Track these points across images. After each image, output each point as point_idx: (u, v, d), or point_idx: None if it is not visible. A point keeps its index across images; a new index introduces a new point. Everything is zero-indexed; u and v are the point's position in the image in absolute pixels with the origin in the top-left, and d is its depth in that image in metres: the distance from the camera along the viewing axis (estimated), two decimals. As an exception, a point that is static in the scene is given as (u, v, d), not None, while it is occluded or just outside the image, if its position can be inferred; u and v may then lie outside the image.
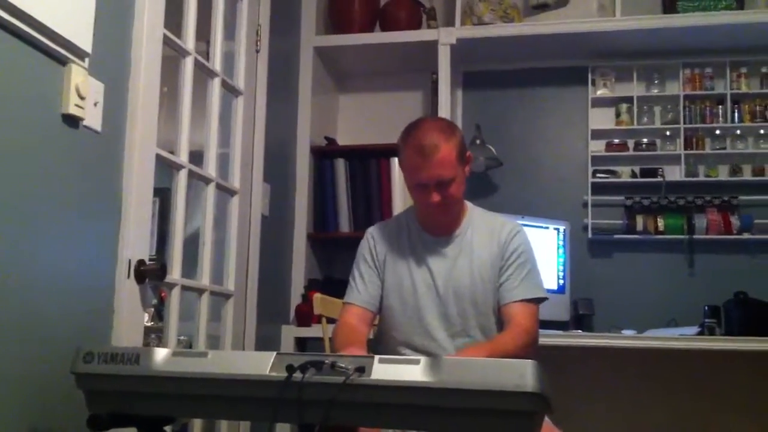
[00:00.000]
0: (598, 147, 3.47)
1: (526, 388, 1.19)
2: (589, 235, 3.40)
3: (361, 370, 1.26)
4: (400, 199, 3.29)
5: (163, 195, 3.18)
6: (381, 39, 3.49)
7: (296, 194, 3.33)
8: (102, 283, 1.89)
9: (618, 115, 3.46)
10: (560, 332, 3.02)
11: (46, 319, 1.65)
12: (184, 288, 2.36)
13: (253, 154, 2.86)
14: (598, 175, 3.42)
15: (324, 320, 2.30)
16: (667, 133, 3.41)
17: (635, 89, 3.43)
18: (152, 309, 3.93)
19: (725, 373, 3.09)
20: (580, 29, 3.26)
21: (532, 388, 1.19)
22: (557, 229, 3.28)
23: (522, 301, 2.03)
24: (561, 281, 3.24)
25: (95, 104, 1.81)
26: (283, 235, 3.23)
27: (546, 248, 3.21)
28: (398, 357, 1.35)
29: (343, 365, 1.27)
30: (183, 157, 2.35)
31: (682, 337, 2.89)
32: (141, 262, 2.00)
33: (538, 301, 2.07)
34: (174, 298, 2.30)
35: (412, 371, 1.25)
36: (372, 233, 2.19)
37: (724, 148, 3.36)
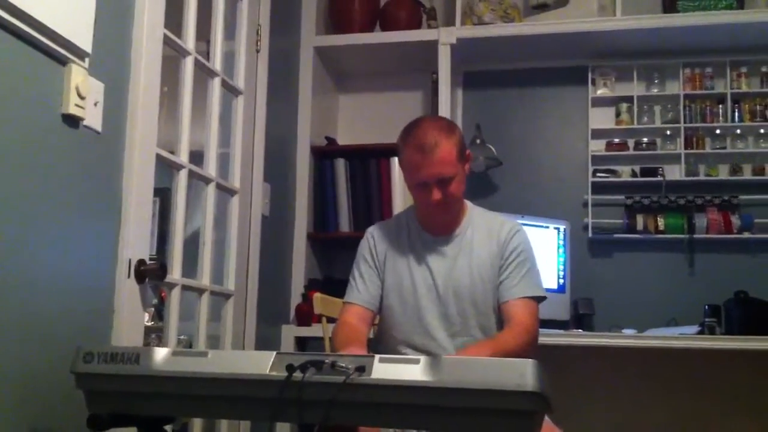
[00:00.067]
0: (598, 146, 3.47)
1: (526, 388, 1.19)
2: (590, 235, 3.40)
3: (361, 369, 1.26)
4: (400, 199, 3.29)
5: (163, 195, 3.19)
6: (381, 39, 3.49)
7: (296, 194, 3.34)
8: (102, 283, 1.89)
9: (618, 114, 3.46)
10: (560, 332, 3.02)
11: (46, 318, 1.65)
12: (185, 288, 2.36)
13: (254, 154, 2.86)
14: (599, 174, 3.42)
15: (324, 320, 2.30)
16: (668, 132, 3.42)
17: (635, 89, 3.43)
18: (152, 309, 3.93)
19: (726, 373, 3.09)
20: (580, 29, 3.26)
21: (532, 388, 1.19)
22: (557, 229, 3.28)
23: (522, 298, 2.03)
24: (561, 281, 3.24)
25: (95, 104, 1.81)
26: (283, 235, 3.23)
27: (546, 248, 3.21)
28: (398, 356, 1.35)
29: (344, 365, 1.27)
30: (183, 157, 2.35)
31: (682, 337, 2.89)
32: (141, 262, 2.00)
33: (537, 299, 2.07)
34: (174, 298, 2.30)
35: (412, 371, 1.25)
36: (372, 233, 2.19)
37: (725, 148, 3.36)
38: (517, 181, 3.53)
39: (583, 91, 3.49)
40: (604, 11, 3.32)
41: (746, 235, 3.26)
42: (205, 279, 2.50)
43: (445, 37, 3.31)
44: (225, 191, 2.68)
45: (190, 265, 2.44)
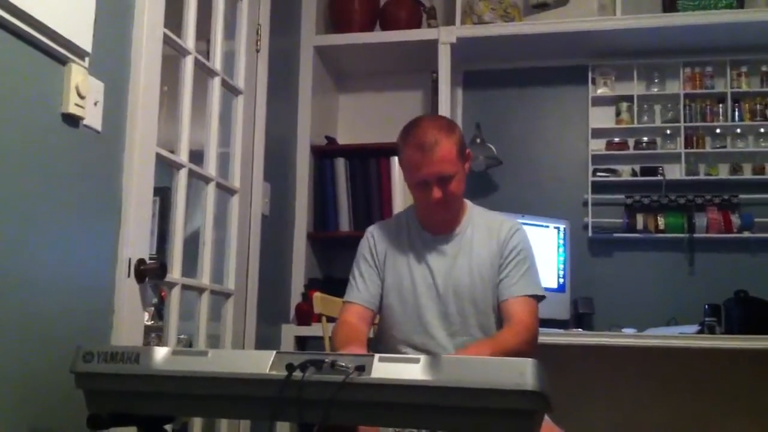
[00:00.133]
0: (598, 146, 3.47)
1: (526, 387, 1.19)
2: (590, 234, 3.40)
3: (361, 368, 1.26)
4: (400, 198, 3.29)
5: (163, 194, 3.19)
6: (381, 38, 3.49)
7: (296, 193, 3.34)
8: (102, 283, 1.89)
9: (618, 113, 3.45)
10: (560, 331, 3.02)
11: (46, 318, 1.65)
12: (184, 287, 2.36)
13: (254, 154, 2.86)
14: (599, 173, 3.42)
15: (324, 319, 2.30)
16: (668, 131, 3.41)
17: (635, 88, 3.43)
18: (152, 308, 3.94)
19: (726, 372, 3.09)
20: (580, 28, 3.26)
21: (532, 387, 1.19)
22: (557, 228, 3.28)
23: (521, 297, 2.03)
24: (561, 280, 3.24)
25: (95, 103, 1.81)
26: (283, 235, 3.23)
27: (546, 247, 3.21)
28: (398, 356, 1.35)
29: (343, 364, 1.27)
30: (183, 157, 2.35)
31: (682, 336, 2.89)
32: (141, 261, 2.00)
33: (537, 298, 2.07)
34: (174, 298, 2.30)
35: (412, 370, 1.25)
36: (372, 232, 2.19)
37: (725, 147, 3.36)
38: (517, 180, 3.53)
39: (583, 90, 3.49)
40: (604, 10, 3.32)
41: (746, 234, 3.26)
42: (205, 278, 2.50)
43: (445, 36, 3.31)
44: (225, 191, 2.68)
45: (190, 265, 2.44)
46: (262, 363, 1.32)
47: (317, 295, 2.33)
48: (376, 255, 2.14)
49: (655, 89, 3.45)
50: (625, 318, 3.16)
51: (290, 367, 1.28)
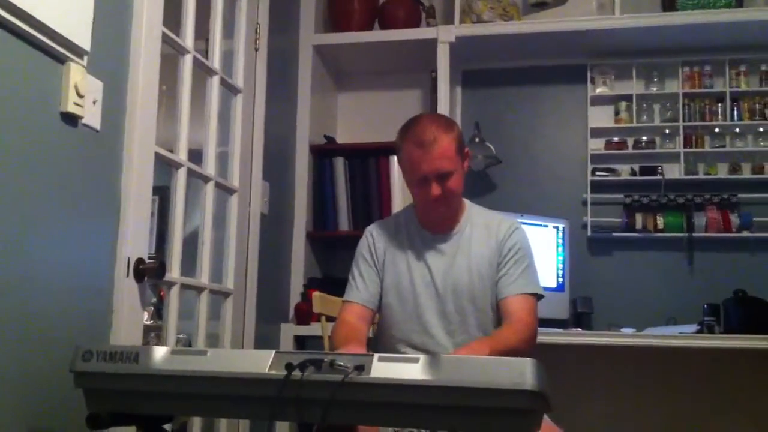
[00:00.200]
0: (597, 145, 3.47)
1: (525, 386, 1.19)
2: (589, 233, 3.40)
3: (360, 368, 1.26)
4: (400, 198, 3.29)
5: (162, 193, 3.19)
6: (380, 37, 3.49)
7: (295, 193, 3.33)
8: (101, 282, 1.89)
9: (617, 113, 3.45)
10: (559, 330, 3.02)
11: (45, 317, 1.64)
12: (184, 286, 2.35)
13: (252, 153, 2.86)
14: (598, 173, 3.42)
15: (323, 318, 2.30)
16: (667, 131, 3.41)
17: (634, 87, 3.43)
18: (151, 307, 3.95)
19: (724, 371, 3.09)
20: (579, 27, 3.26)
21: (531, 386, 1.19)
22: (556, 228, 3.28)
23: (520, 295, 2.04)
24: (560, 279, 3.24)
25: (94, 102, 1.81)
26: (282, 234, 3.23)
27: (545, 246, 3.21)
28: (397, 355, 1.36)
29: (343, 363, 1.27)
30: (182, 156, 2.35)
31: (681, 336, 2.89)
32: (140, 261, 2.00)
33: (536, 296, 2.07)
34: (173, 297, 2.30)
35: (411, 369, 1.25)
36: (371, 231, 2.19)
37: (724, 146, 3.36)
38: (516, 179, 3.53)
39: (582, 89, 3.49)
40: (603, 10, 3.32)
41: (745, 233, 3.26)
42: (204, 278, 2.50)
43: (444, 35, 3.31)
44: (224, 190, 2.68)
45: (189, 264, 2.44)
46: (261, 362, 1.32)
47: (316, 295, 2.33)
48: (376, 254, 2.14)
49: (654, 88, 3.45)
50: (624, 317, 3.16)
51: (289, 367, 1.28)
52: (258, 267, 2.84)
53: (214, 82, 2.58)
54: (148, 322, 3.61)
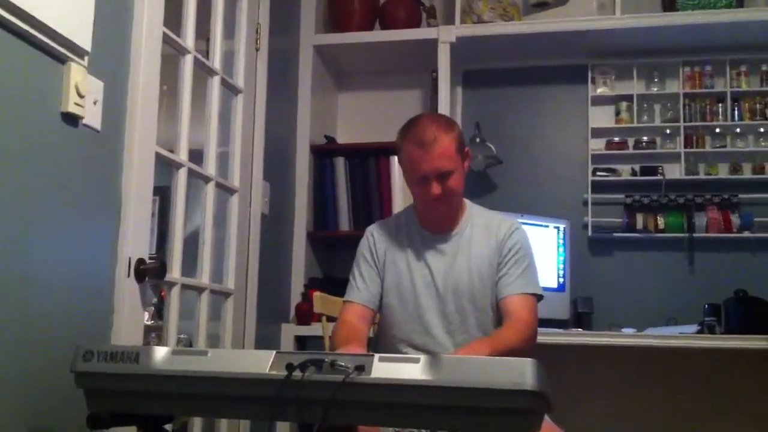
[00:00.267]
0: (598, 145, 3.47)
1: (525, 387, 1.19)
2: (589, 234, 3.40)
3: (360, 368, 1.26)
4: (400, 198, 3.29)
5: (162, 193, 3.19)
6: (381, 37, 3.49)
7: (296, 193, 3.33)
8: (102, 282, 1.89)
9: (618, 113, 3.45)
10: (560, 330, 3.02)
11: (46, 317, 1.65)
12: (184, 287, 2.35)
13: (253, 153, 2.86)
14: (598, 173, 3.42)
15: (324, 319, 2.30)
16: (667, 131, 3.41)
17: (635, 87, 3.43)
18: (152, 308, 3.94)
19: (725, 372, 3.09)
20: (579, 27, 3.26)
21: (531, 387, 1.19)
22: (557, 228, 3.28)
23: (520, 294, 2.04)
24: (561, 279, 3.24)
25: (95, 102, 1.81)
26: (282, 234, 3.23)
27: (546, 247, 3.21)
28: (398, 355, 1.35)
29: (343, 364, 1.27)
30: (183, 156, 2.35)
31: (682, 336, 2.89)
32: (141, 261, 2.00)
33: (535, 297, 2.07)
34: (174, 297, 2.30)
35: (411, 370, 1.25)
36: (372, 231, 2.19)
37: (724, 146, 3.36)
38: (516, 179, 3.53)
39: (583, 89, 3.49)
40: (604, 10, 3.32)
41: (746, 234, 3.26)
42: (204, 278, 2.50)
43: (445, 35, 3.31)
44: (224, 190, 2.68)
45: (190, 264, 2.44)
46: (261, 363, 1.32)
47: (317, 295, 2.33)
48: (376, 254, 2.14)
49: (655, 89, 3.45)
50: (624, 318, 3.16)
51: (290, 367, 1.28)
52: (259, 267, 2.84)
53: (215, 83, 2.58)
54: (149, 323, 3.61)
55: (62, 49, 1.67)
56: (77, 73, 1.72)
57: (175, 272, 2.29)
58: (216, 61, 2.58)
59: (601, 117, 3.48)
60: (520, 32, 3.33)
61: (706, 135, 3.37)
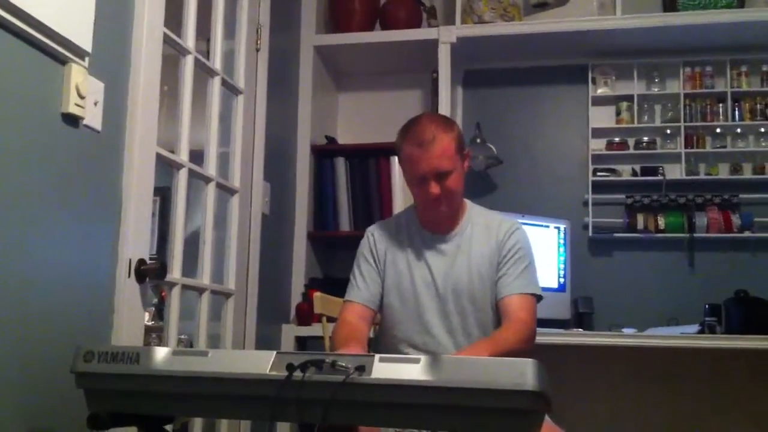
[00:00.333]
0: (598, 145, 3.47)
1: (526, 387, 1.19)
2: (590, 234, 3.40)
3: (361, 369, 1.26)
4: (400, 198, 3.29)
5: (163, 194, 3.20)
6: (381, 38, 3.49)
7: (296, 193, 3.34)
8: (102, 283, 1.89)
9: (618, 113, 3.45)
10: (560, 331, 3.02)
11: (46, 318, 1.65)
12: (185, 287, 2.36)
13: (254, 153, 2.86)
14: (599, 173, 3.42)
15: (324, 319, 2.30)
16: (668, 131, 3.41)
17: (635, 87, 3.43)
18: (152, 308, 3.94)
19: (726, 372, 3.09)
20: (580, 28, 3.25)
21: (532, 387, 1.19)
22: (558, 228, 3.28)
23: (519, 294, 2.03)
24: (561, 280, 3.24)
25: (95, 103, 1.81)
26: (283, 234, 3.23)
27: (546, 247, 3.21)
28: (398, 356, 1.35)
29: (344, 364, 1.27)
30: (183, 156, 2.35)
31: (682, 336, 2.89)
32: (141, 262, 2.00)
33: (535, 297, 2.07)
34: (174, 298, 2.30)
35: (412, 370, 1.25)
36: (372, 232, 2.19)
37: (725, 147, 3.36)
38: (517, 180, 3.53)
39: (583, 89, 3.49)
40: (604, 10, 3.32)
41: (746, 234, 3.26)
42: (205, 278, 2.50)
43: (445, 36, 3.31)
44: (225, 190, 2.68)
45: (191, 265, 2.44)
46: (262, 363, 1.32)
47: (317, 295, 2.33)
48: (377, 254, 2.14)
49: (655, 89, 3.45)
50: (625, 318, 3.16)
51: (290, 367, 1.28)
52: (259, 267, 2.84)
53: (215, 83, 2.58)
54: (149, 323, 3.61)
55: (63, 50, 1.67)
56: (78, 73, 1.72)
57: (175, 273, 2.30)
58: (216, 62, 2.58)
59: (602, 117, 3.48)
60: (521, 32, 3.33)
61: (706, 135, 3.37)
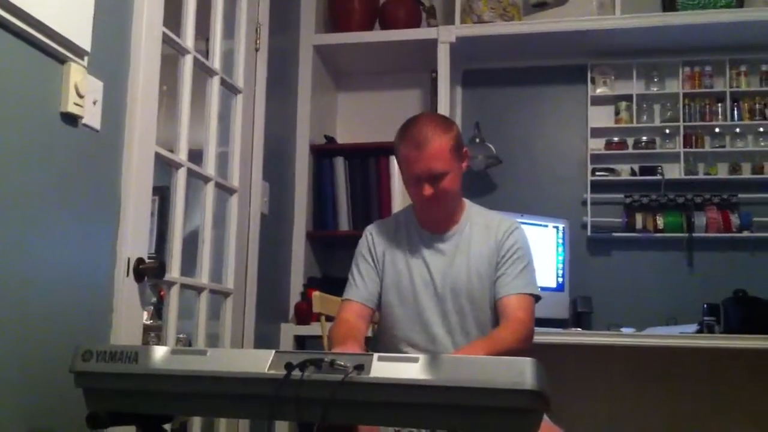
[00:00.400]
0: (597, 145, 3.47)
1: (524, 386, 1.19)
2: (589, 233, 3.40)
3: (360, 367, 1.26)
4: (399, 198, 3.29)
5: (162, 193, 3.19)
6: (380, 37, 3.49)
7: (295, 193, 3.33)
8: (101, 282, 1.89)
9: (617, 113, 3.45)
10: (559, 330, 3.02)
11: (45, 317, 1.64)
12: (183, 286, 2.36)
13: (253, 153, 2.86)
14: (598, 173, 3.42)
15: (323, 318, 2.30)
16: (667, 131, 3.42)
17: (635, 87, 3.43)
18: (151, 307, 3.94)
19: (724, 371, 3.09)
20: (579, 27, 3.26)
21: (530, 386, 1.19)
22: (556, 228, 3.28)
23: (518, 294, 2.03)
24: (560, 279, 3.24)
25: (94, 102, 1.81)
26: (282, 234, 3.23)
27: (545, 246, 3.21)
28: (397, 355, 1.35)
29: (343, 363, 1.27)
30: (182, 156, 2.35)
31: (681, 335, 2.89)
32: (140, 261, 2.00)
33: (533, 297, 2.07)
34: (173, 297, 2.30)
35: (411, 369, 1.25)
36: (371, 231, 2.19)
37: (724, 146, 3.36)
38: (516, 179, 3.53)
39: (583, 89, 3.49)
40: (604, 10, 3.32)
41: (745, 233, 3.26)
42: (204, 277, 2.50)
43: (445, 35, 3.31)
44: (224, 190, 2.68)
45: (189, 264, 2.44)
46: (261, 362, 1.32)
47: (316, 294, 2.33)
48: (375, 254, 2.14)
49: (655, 88, 3.45)
50: (624, 317, 3.16)
51: (289, 366, 1.28)
52: (258, 267, 2.84)
53: (215, 82, 2.58)
54: (148, 322, 3.61)
55: (62, 49, 1.67)
56: (77, 72, 1.72)
57: (174, 272, 2.30)
58: (215, 61, 2.58)
59: (601, 117, 3.48)
60: (520, 32, 3.33)
61: (705, 135, 3.37)
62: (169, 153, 2.29)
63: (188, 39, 2.38)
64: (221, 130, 2.65)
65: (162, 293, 3.12)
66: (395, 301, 2.10)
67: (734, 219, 3.27)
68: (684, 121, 3.36)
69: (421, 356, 1.27)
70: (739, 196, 3.31)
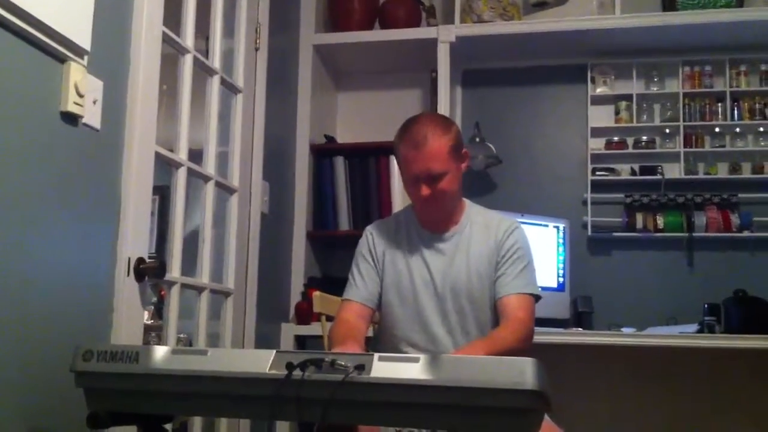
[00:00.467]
0: (597, 145, 3.47)
1: (525, 386, 1.19)
2: (589, 233, 3.40)
3: (360, 367, 1.26)
4: (399, 197, 3.29)
5: (162, 193, 3.19)
6: (380, 37, 3.49)
7: (295, 192, 3.33)
8: (101, 282, 1.88)
9: (617, 112, 3.45)
10: (560, 330, 3.02)
11: (45, 317, 1.64)
12: (184, 286, 2.35)
13: (253, 152, 2.86)
14: (598, 172, 3.42)
15: (323, 318, 2.30)
16: (667, 130, 3.41)
17: (635, 87, 3.43)
18: (152, 307, 3.94)
19: (725, 371, 3.09)
20: (579, 27, 3.26)
21: (531, 386, 1.19)
22: (557, 227, 3.28)
23: (518, 294, 2.03)
24: (560, 279, 3.24)
25: (94, 102, 1.81)
26: (282, 233, 3.23)
27: (546, 246, 3.21)
28: (398, 355, 1.35)
29: (343, 363, 1.27)
30: (182, 155, 2.35)
31: (681, 335, 2.89)
32: (140, 260, 2.00)
33: (533, 297, 2.07)
34: (173, 296, 2.30)
35: (411, 369, 1.25)
36: (371, 231, 2.19)
37: (724, 146, 3.36)
38: (516, 179, 3.53)
39: (583, 89, 3.49)
40: (604, 9, 3.32)
41: (745, 233, 3.26)
42: (204, 277, 2.50)
43: (445, 35, 3.31)
44: (224, 189, 2.68)
45: (190, 264, 2.44)
46: (261, 362, 1.32)
47: (317, 294, 2.33)
48: (375, 253, 2.14)
49: (655, 88, 3.45)
50: (624, 317, 3.16)
51: (290, 366, 1.28)
52: (258, 266, 2.84)
53: (215, 82, 2.58)
54: (149, 322, 3.60)
55: (61, 48, 1.67)
56: (77, 72, 1.71)
57: (174, 271, 2.29)
58: (215, 61, 2.58)
59: (601, 116, 3.48)
60: (520, 32, 3.33)
61: (705, 135, 3.37)
62: (169, 152, 2.29)
63: (188, 38, 2.38)
64: (221, 130, 2.65)
65: (162, 293, 3.12)
66: (395, 300, 2.10)
67: (734, 219, 3.27)
68: (684, 120, 3.36)
69: (422, 356, 1.27)
70: (739, 195, 3.31)
